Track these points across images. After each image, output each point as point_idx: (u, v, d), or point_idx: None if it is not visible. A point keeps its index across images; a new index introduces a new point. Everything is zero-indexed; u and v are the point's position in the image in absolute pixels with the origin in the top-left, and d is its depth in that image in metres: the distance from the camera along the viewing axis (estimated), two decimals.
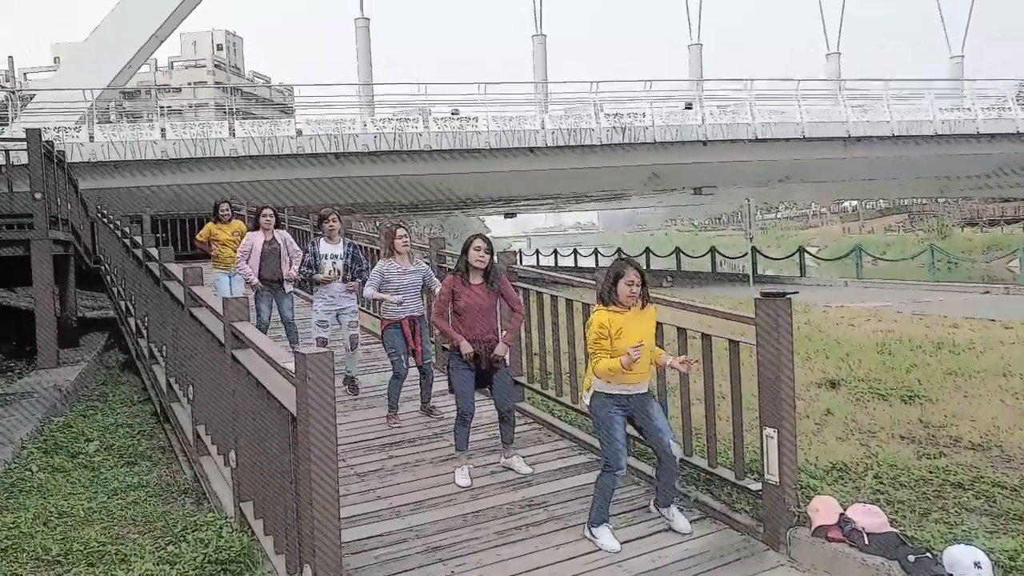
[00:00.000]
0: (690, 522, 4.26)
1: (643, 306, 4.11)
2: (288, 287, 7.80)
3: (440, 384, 6.58)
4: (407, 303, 6.03)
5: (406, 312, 6.03)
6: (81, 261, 13.05)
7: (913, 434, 5.47)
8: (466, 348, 4.88)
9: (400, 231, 6.09)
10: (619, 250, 35.71)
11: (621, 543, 4.04)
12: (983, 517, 4.06)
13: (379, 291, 6.04)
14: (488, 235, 5.49)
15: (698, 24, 30.80)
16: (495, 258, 5.13)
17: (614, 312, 4.04)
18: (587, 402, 4.27)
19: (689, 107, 24.33)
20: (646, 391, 4.25)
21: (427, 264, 6.70)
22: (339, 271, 6.81)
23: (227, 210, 9.34)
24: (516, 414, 5.38)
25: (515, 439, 5.21)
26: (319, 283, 6.80)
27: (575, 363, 5.70)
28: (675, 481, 4.28)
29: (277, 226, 8.02)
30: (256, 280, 7.67)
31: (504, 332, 5.25)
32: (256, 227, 7.88)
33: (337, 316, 6.90)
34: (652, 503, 4.41)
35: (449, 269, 6.40)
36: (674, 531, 4.19)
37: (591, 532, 4.11)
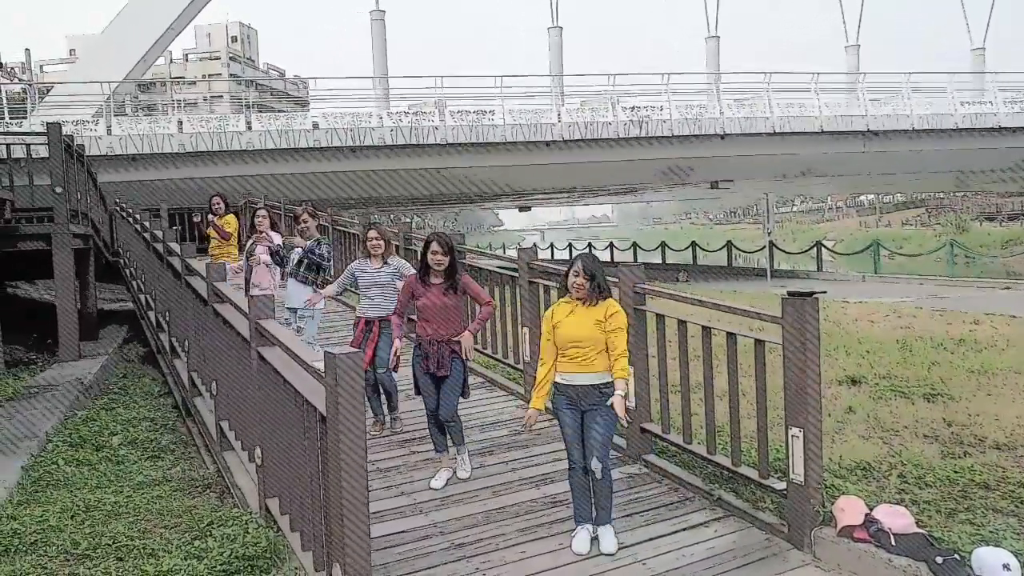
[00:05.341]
0: (714, 520, 4.26)
1: (595, 302, 4.03)
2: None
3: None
4: (376, 302, 5.83)
5: (372, 312, 5.82)
6: (100, 254, 13.16)
7: (937, 433, 5.42)
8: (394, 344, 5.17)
9: (371, 232, 5.92)
10: (635, 244, 35.54)
11: (644, 541, 4.05)
12: (1010, 518, 4.02)
13: (332, 291, 6.17)
14: (450, 234, 5.25)
15: (716, 16, 30.56)
16: (456, 258, 4.95)
17: (564, 303, 4.14)
18: None
19: None
20: (596, 385, 3.99)
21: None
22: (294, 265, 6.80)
23: (219, 203, 9.62)
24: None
25: (466, 440, 5.08)
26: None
27: None
28: (608, 502, 4.06)
29: (274, 228, 7.78)
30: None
31: (473, 323, 5.23)
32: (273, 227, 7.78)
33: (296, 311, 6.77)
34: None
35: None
36: (603, 551, 3.95)
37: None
